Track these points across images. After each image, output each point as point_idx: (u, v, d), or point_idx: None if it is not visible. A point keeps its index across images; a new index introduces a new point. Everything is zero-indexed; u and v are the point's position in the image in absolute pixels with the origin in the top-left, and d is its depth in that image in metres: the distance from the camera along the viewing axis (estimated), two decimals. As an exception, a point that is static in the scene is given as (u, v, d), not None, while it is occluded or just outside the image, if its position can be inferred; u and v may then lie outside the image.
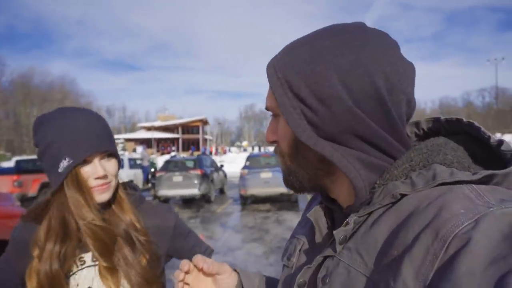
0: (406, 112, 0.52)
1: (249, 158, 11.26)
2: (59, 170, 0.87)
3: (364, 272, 0.45)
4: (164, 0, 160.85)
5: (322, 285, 0.50)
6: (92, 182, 0.90)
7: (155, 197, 12.77)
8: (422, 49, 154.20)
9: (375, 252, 0.45)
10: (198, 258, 0.70)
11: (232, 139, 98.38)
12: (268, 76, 0.53)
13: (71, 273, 0.93)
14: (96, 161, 0.90)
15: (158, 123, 57.07)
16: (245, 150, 42.39)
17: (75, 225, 0.91)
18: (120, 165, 0.99)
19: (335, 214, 0.60)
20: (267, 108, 0.58)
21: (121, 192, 1.00)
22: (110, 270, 0.91)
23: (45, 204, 0.96)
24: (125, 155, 14.85)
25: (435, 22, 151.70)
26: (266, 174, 10.23)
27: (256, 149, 41.21)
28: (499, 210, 0.38)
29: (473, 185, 0.43)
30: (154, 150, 46.44)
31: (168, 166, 11.75)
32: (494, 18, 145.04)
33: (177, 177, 10.97)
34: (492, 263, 0.34)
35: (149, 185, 13.98)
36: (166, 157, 25.32)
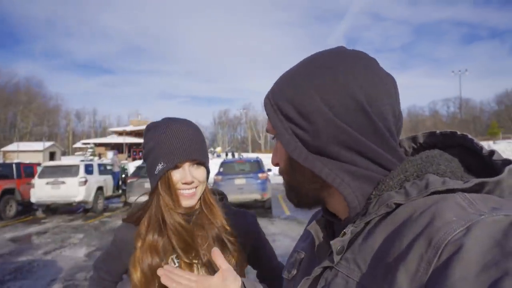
0: (394, 124, 0.53)
1: (223, 164, 11.18)
2: (155, 172, 1.01)
3: (362, 282, 0.46)
4: (138, 2, 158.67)
5: None
6: (180, 186, 1.01)
7: (126, 203, 12.43)
8: (392, 59, 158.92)
9: (371, 262, 0.46)
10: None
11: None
12: (264, 105, 0.59)
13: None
14: (186, 167, 1.01)
15: (130, 128, 55.81)
16: (218, 156, 42.08)
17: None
18: (209, 172, 1.08)
19: (336, 227, 0.61)
20: (267, 131, 0.62)
21: (211, 198, 1.09)
22: (189, 265, 1.01)
23: (145, 205, 1.09)
24: (95, 161, 14.35)
25: (404, 34, 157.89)
26: (240, 181, 10.20)
27: (230, 155, 41.01)
28: (490, 217, 0.39)
29: (466, 194, 0.44)
30: (125, 155, 45.30)
31: (140, 172, 11.48)
32: (459, 31, 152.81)
33: (149, 183, 10.70)
34: (484, 268, 0.35)
35: (120, 191, 13.58)
36: (138, 162, 24.74)
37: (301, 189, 0.59)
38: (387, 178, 0.51)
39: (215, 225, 1.05)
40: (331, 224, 0.62)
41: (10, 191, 10.93)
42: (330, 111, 0.50)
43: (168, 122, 1.05)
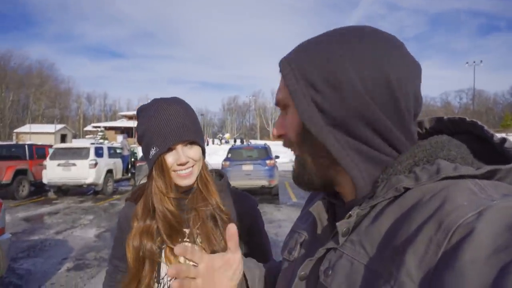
0: (413, 106, 0.52)
1: (231, 150, 11.22)
2: (150, 157, 1.02)
3: (368, 264, 0.46)
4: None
5: (325, 277, 0.51)
6: (176, 167, 1.02)
7: (134, 187, 12.53)
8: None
9: (378, 244, 0.46)
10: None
11: (214, 130, 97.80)
12: (282, 68, 0.55)
13: (162, 248, 1.04)
14: (179, 148, 1.01)
15: (139, 112, 55.96)
16: (227, 142, 42.06)
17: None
18: (204, 151, 1.09)
19: (337, 209, 0.60)
20: (277, 103, 0.58)
21: (208, 176, 1.09)
22: (173, 251, 1.00)
23: (144, 186, 1.11)
24: (105, 144, 14.52)
25: (419, 24, 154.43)
26: (247, 167, 10.24)
27: (238, 142, 41.02)
28: (502, 203, 0.39)
29: (477, 180, 0.44)
30: (135, 139, 45.68)
31: (149, 156, 11.57)
32: (476, 22, 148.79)
33: (158, 168, 10.80)
34: (495, 252, 0.35)
35: (129, 174, 13.76)
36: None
37: (310, 165, 0.56)
38: (396, 162, 0.50)
39: (209, 203, 1.05)
40: (332, 206, 0.61)
41: (23, 172, 11.16)
42: (360, 83, 0.49)
43: (157, 103, 1.04)
